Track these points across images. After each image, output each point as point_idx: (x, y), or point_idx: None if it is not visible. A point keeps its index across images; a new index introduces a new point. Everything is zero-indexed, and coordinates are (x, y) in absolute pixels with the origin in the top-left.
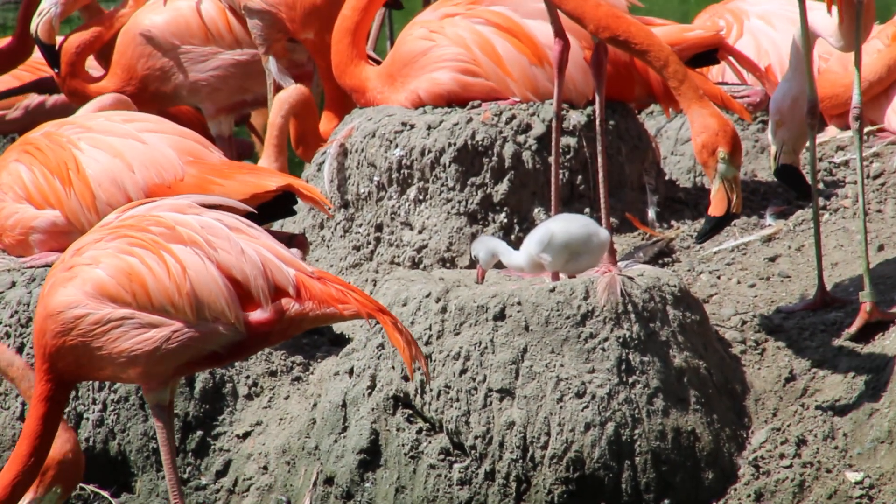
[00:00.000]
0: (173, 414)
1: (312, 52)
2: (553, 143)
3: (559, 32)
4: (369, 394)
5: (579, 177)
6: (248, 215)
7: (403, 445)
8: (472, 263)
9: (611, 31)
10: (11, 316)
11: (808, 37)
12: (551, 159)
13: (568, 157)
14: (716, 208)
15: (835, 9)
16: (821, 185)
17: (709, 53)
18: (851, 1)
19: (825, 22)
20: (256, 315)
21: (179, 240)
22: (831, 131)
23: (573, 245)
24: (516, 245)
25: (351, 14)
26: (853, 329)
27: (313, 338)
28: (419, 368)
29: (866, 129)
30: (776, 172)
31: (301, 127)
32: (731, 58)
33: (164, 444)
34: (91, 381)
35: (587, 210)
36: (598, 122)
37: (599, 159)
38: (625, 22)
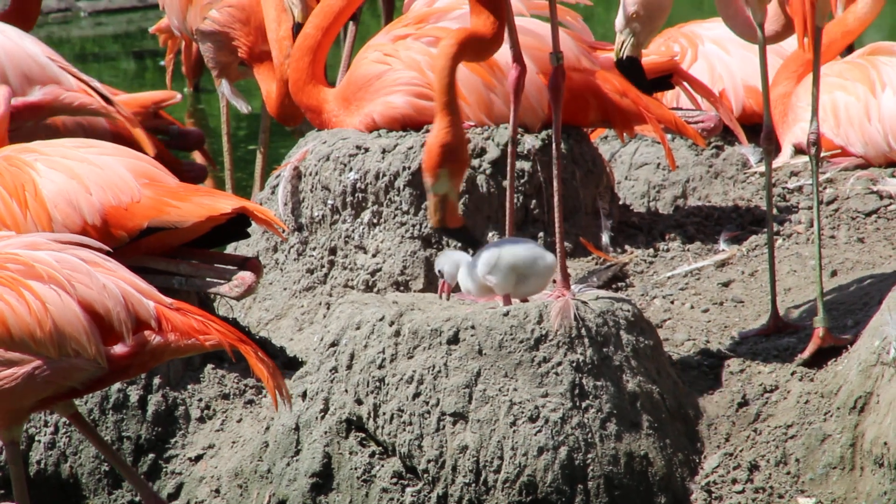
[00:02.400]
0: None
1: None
2: (508, 167)
3: (517, 57)
4: (322, 417)
5: (533, 201)
6: (201, 238)
7: (356, 469)
8: (427, 286)
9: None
10: None
11: (766, 61)
12: (505, 183)
13: (522, 181)
14: (432, 218)
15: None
16: (774, 211)
17: (663, 78)
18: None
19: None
20: (118, 349)
21: (38, 276)
22: (785, 157)
23: (519, 268)
24: None
25: (313, 33)
26: (806, 354)
27: None
28: (285, 400)
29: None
30: (618, 63)
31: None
32: (685, 83)
33: (18, 480)
34: None
35: (541, 234)
36: (554, 146)
37: (555, 183)
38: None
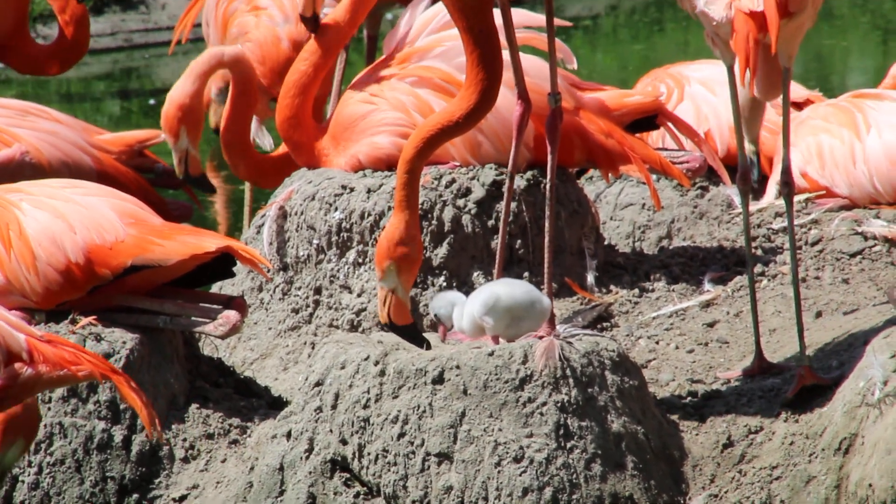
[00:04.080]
0: None
1: None
2: (504, 204)
3: (522, 94)
4: (307, 457)
5: (518, 241)
6: (186, 278)
7: None
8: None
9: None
10: None
11: (738, 102)
12: (491, 223)
13: (508, 220)
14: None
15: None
16: (759, 252)
17: (649, 119)
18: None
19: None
20: None
21: None
22: (769, 198)
23: (516, 310)
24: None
25: (306, 69)
26: (790, 394)
27: (251, 401)
28: (156, 430)
29: (804, 196)
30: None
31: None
32: (670, 124)
33: None
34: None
35: (526, 274)
36: (548, 187)
37: (547, 224)
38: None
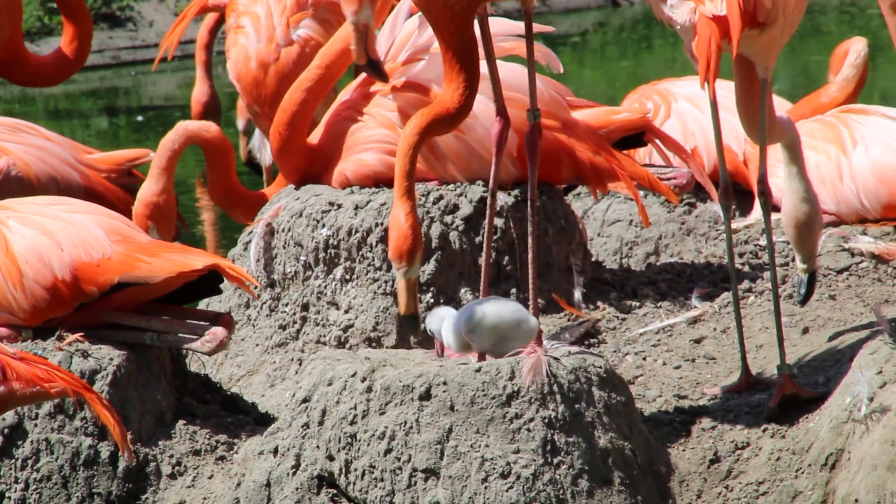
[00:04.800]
0: None
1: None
2: (487, 222)
3: (500, 111)
4: (294, 473)
5: (506, 257)
6: (173, 295)
7: None
8: (399, 342)
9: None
10: None
11: (718, 117)
12: (478, 239)
13: (495, 237)
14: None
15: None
16: (746, 268)
17: (636, 136)
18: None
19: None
20: None
21: None
22: (757, 214)
23: (502, 329)
24: None
25: (300, 95)
26: (773, 403)
27: (238, 417)
28: (128, 449)
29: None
30: None
31: (214, 171)
32: (657, 140)
33: None
34: (13, 460)
35: (514, 290)
36: (529, 203)
37: (529, 241)
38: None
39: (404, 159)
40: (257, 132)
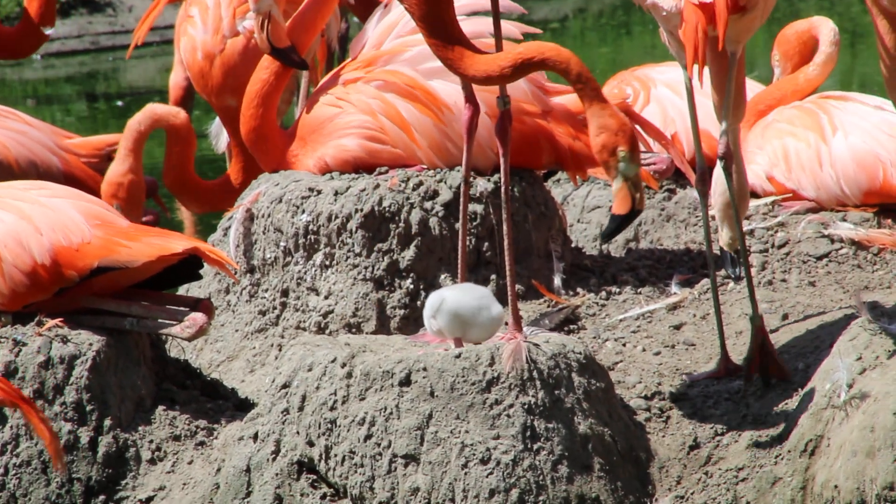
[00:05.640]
0: None
1: (227, 120)
2: (461, 210)
3: (470, 98)
4: (273, 459)
5: (486, 243)
6: (153, 280)
7: None
8: (379, 328)
9: (522, 62)
10: None
11: (694, 104)
12: (458, 226)
13: (475, 223)
14: (619, 207)
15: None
16: None
17: None
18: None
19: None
20: None
21: None
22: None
23: (462, 315)
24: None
25: (267, 78)
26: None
27: (218, 403)
28: (61, 463)
29: (771, 199)
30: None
31: (172, 157)
32: (637, 126)
33: None
34: None
35: (493, 276)
36: (503, 189)
37: (505, 227)
38: (525, 49)
39: (578, 68)
40: (217, 120)
